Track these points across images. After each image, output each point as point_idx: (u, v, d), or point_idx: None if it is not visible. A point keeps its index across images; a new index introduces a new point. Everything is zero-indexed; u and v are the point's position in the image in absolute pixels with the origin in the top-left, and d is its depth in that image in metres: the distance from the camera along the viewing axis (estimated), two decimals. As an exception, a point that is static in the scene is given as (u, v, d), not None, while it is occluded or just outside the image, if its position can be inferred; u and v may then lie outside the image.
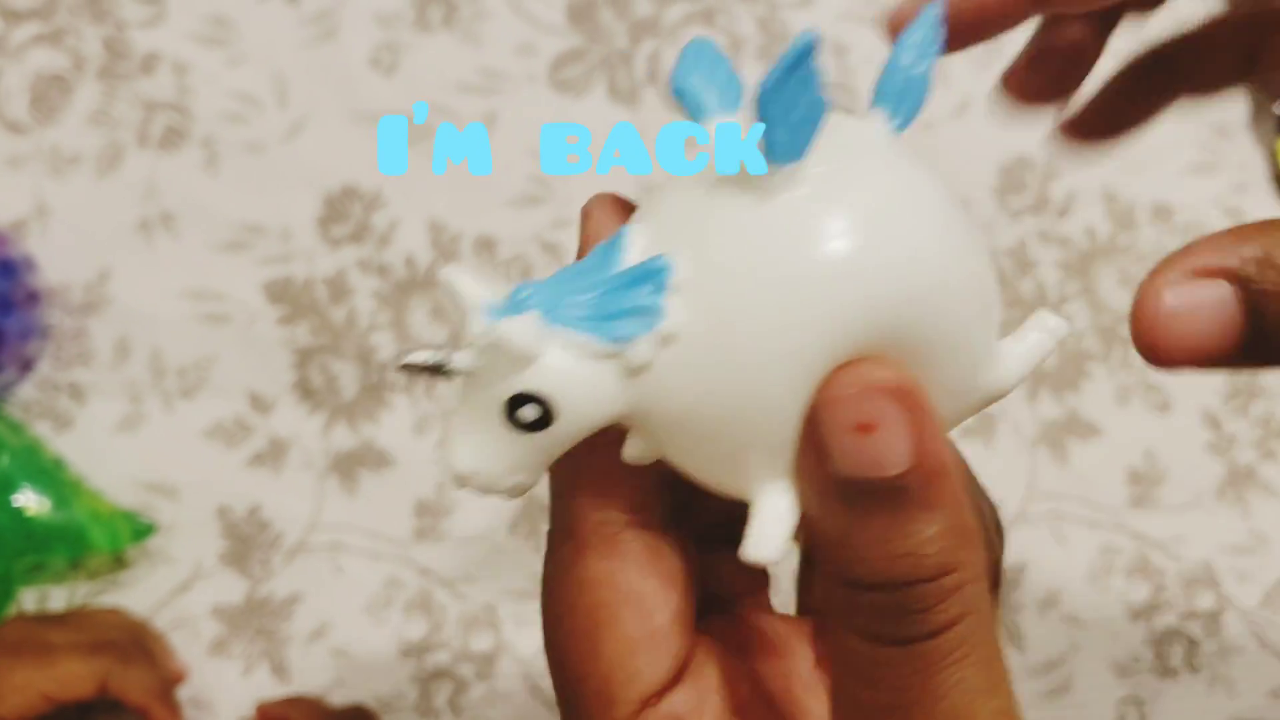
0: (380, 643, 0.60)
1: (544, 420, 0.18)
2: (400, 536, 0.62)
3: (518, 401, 0.18)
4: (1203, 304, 0.18)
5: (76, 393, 0.63)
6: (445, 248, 0.65)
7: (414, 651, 0.60)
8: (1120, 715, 0.61)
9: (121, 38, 0.68)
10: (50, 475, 0.58)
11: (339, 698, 0.60)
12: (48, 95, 0.67)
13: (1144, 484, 0.64)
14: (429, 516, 0.62)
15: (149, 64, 0.67)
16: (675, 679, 0.20)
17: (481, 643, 0.60)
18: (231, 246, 0.65)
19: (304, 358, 0.64)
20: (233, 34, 0.68)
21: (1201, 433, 0.65)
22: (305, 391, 0.63)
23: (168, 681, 0.56)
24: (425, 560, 0.61)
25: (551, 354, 0.19)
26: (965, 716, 0.18)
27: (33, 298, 0.61)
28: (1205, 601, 0.63)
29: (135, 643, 0.56)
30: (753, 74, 0.66)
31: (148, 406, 0.63)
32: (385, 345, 0.64)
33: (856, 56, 0.68)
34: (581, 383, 0.19)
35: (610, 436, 0.20)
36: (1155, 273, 0.19)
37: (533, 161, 0.66)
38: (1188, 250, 0.19)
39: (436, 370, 0.19)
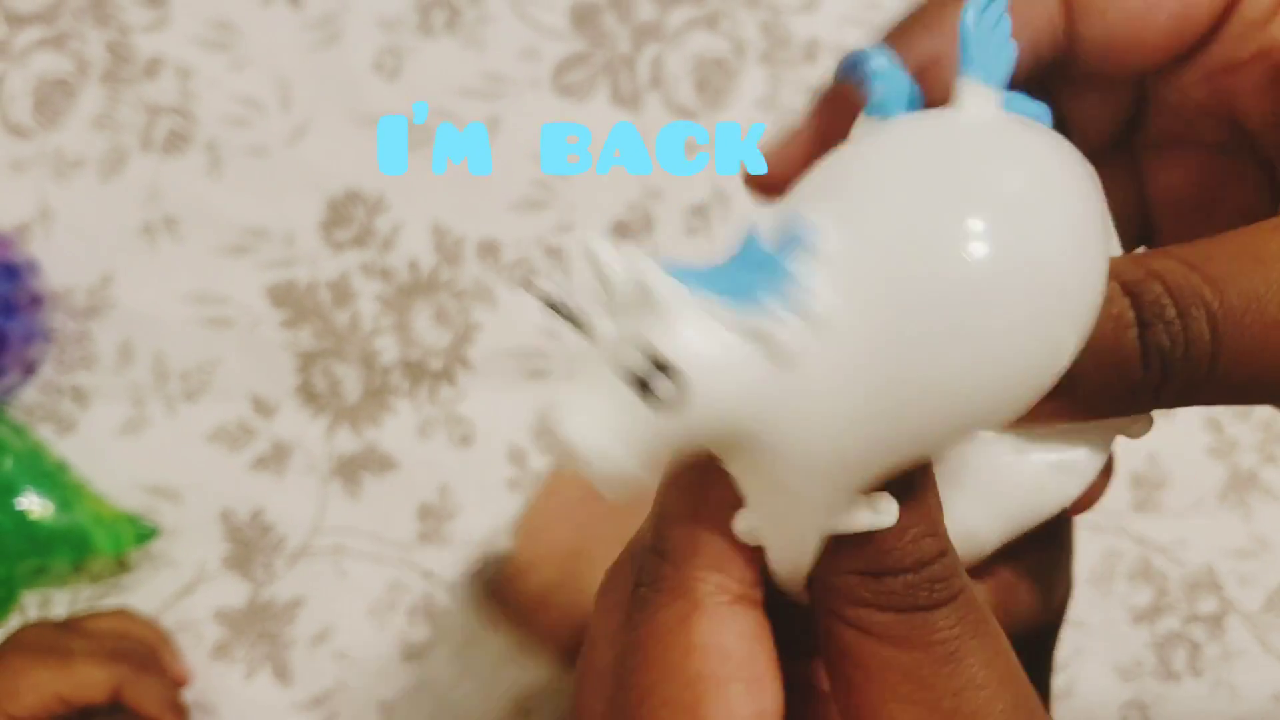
0: (383, 646, 0.60)
1: (675, 400, 0.16)
2: (403, 540, 0.62)
3: (649, 373, 0.16)
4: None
5: (80, 396, 0.63)
6: (448, 252, 0.65)
7: (417, 655, 0.60)
8: (1123, 719, 0.61)
9: (125, 42, 0.68)
10: (53, 478, 0.58)
11: (342, 701, 0.60)
12: (51, 99, 0.67)
13: (1146, 488, 0.64)
14: (432, 520, 0.62)
15: (152, 68, 0.67)
16: None
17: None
18: (235, 250, 0.65)
19: (307, 361, 0.64)
20: (236, 38, 0.68)
21: (1203, 436, 0.65)
22: (308, 395, 0.63)
23: (178, 691, 0.56)
24: (428, 564, 0.61)
25: (692, 324, 0.16)
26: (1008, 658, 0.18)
27: (36, 301, 0.61)
28: (1208, 605, 0.63)
29: (150, 653, 0.56)
30: (755, 79, 0.65)
31: (151, 410, 0.63)
32: (388, 349, 0.64)
33: (859, 61, 0.69)
34: (720, 365, 0.16)
35: (723, 502, 0.19)
36: None
37: (536, 166, 0.67)
38: None
39: (566, 314, 0.17)
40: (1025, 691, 0.18)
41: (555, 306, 0.17)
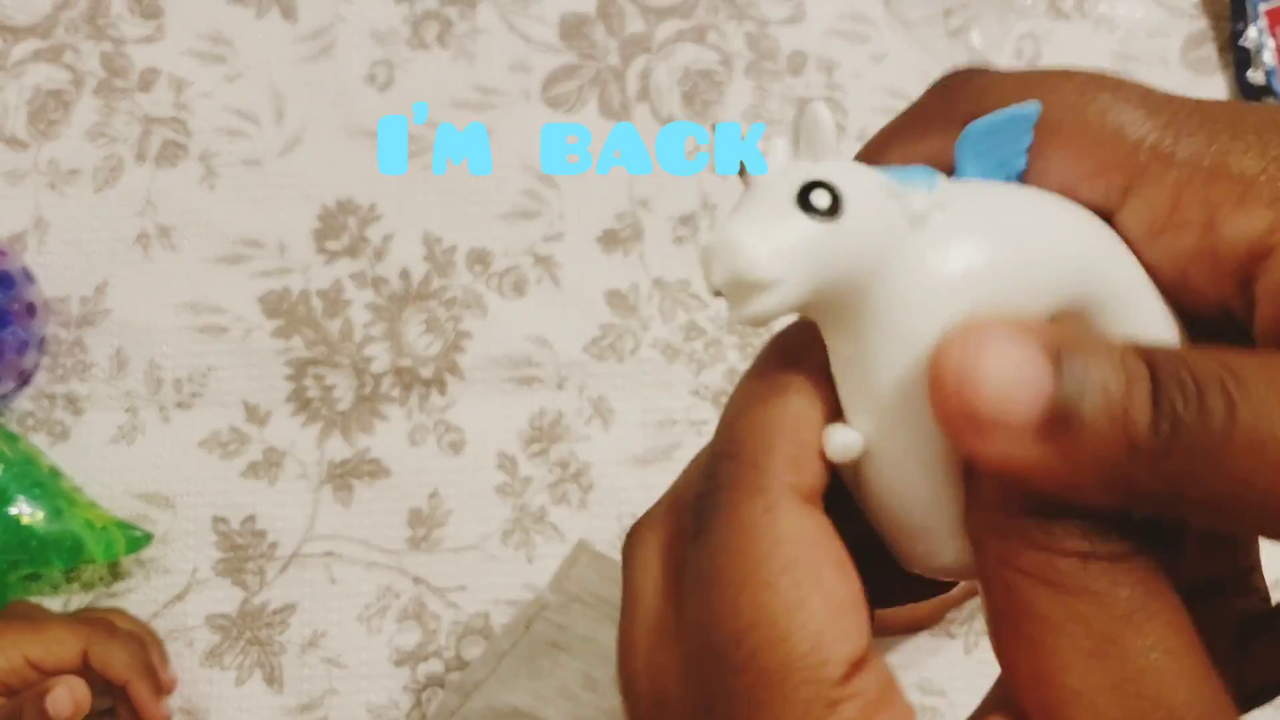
0: (374, 652, 0.61)
1: (829, 210, 0.18)
2: (394, 546, 0.62)
3: (811, 187, 0.18)
4: (1022, 367, 0.16)
5: (73, 404, 0.63)
6: (439, 260, 0.66)
7: (407, 660, 0.61)
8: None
9: (120, 54, 0.69)
10: (46, 486, 0.58)
11: (332, 706, 0.60)
12: (46, 110, 0.67)
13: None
14: (422, 526, 0.62)
15: (147, 80, 0.68)
16: (869, 651, 0.18)
17: (474, 651, 0.61)
18: (228, 260, 0.66)
19: (299, 369, 0.64)
20: (230, 51, 0.69)
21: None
22: (300, 403, 0.64)
23: (151, 663, 0.56)
24: (418, 569, 0.62)
25: (852, 168, 0.18)
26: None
27: (30, 310, 0.61)
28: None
29: (131, 632, 0.57)
30: (742, 90, 0.66)
31: (144, 418, 0.63)
32: (379, 357, 0.64)
33: (843, 72, 0.69)
34: (870, 196, 0.18)
35: (800, 413, 0.20)
36: (965, 330, 0.17)
37: (527, 176, 0.67)
38: (994, 319, 0.17)
39: (752, 156, 0.18)
40: (1209, 665, 0.17)
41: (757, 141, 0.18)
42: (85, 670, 0.54)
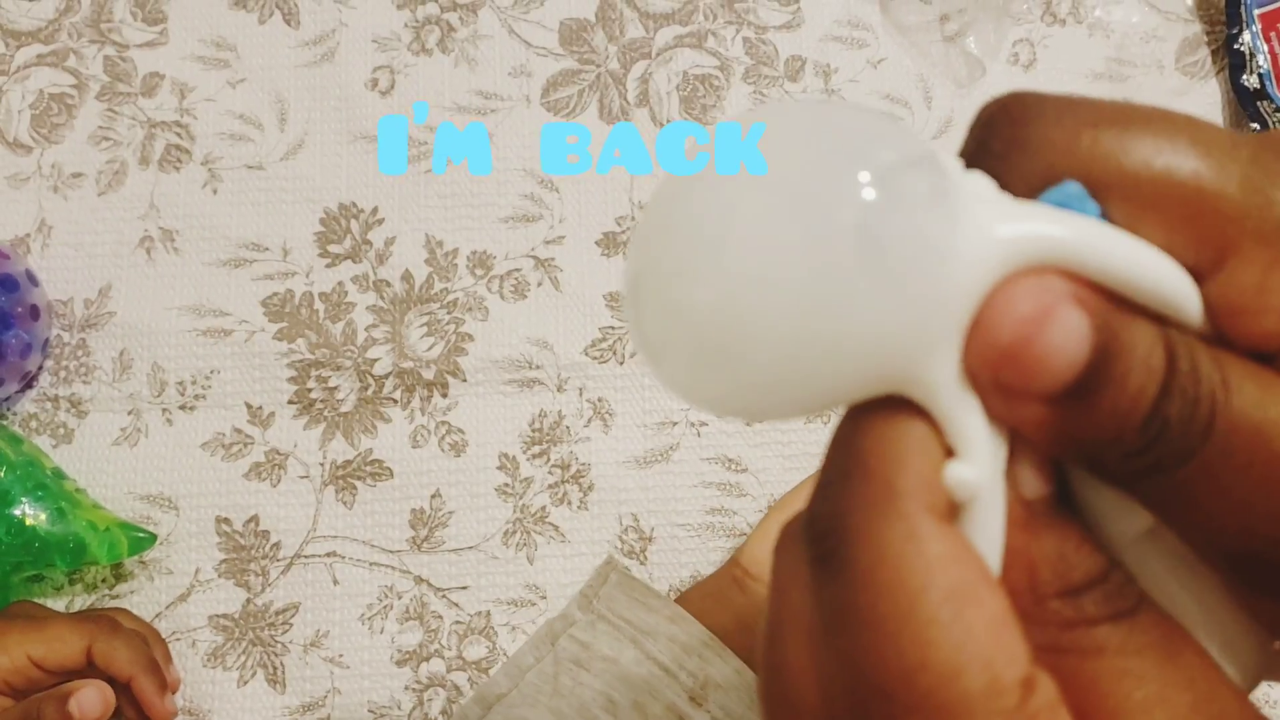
0: (376, 652, 0.61)
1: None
2: (396, 547, 0.62)
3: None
4: (1075, 332, 0.17)
5: (77, 406, 0.64)
6: (441, 264, 0.66)
7: (409, 660, 0.61)
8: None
9: (123, 59, 0.69)
10: (49, 488, 0.59)
11: (335, 706, 0.60)
12: (50, 115, 0.68)
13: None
14: (424, 527, 0.63)
15: (150, 85, 0.69)
16: (1033, 665, 0.18)
17: (476, 651, 0.61)
18: (231, 263, 0.66)
19: (302, 372, 0.65)
20: (233, 56, 0.69)
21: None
22: (303, 405, 0.64)
23: (155, 659, 0.57)
24: (420, 570, 0.62)
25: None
26: None
27: (34, 313, 0.61)
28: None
29: (134, 630, 0.57)
30: (741, 95, 0.67)
31: (147, 420, 0.64)
32: (382, 359, 0.65)
33: (840, 78, 0.70)
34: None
35: (926, 435, 0.19)
36: (1028, 282, 0.17)
37: (527, 180, 0.68)
38: (1053, 277, 0.18)
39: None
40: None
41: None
42: (89, 668, 0.54)
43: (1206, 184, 0.17)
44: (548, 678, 0.52)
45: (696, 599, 0.57)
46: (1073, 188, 0.18)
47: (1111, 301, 0.18)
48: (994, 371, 0.17)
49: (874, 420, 0.19)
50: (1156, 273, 0.18)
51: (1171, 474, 0.17)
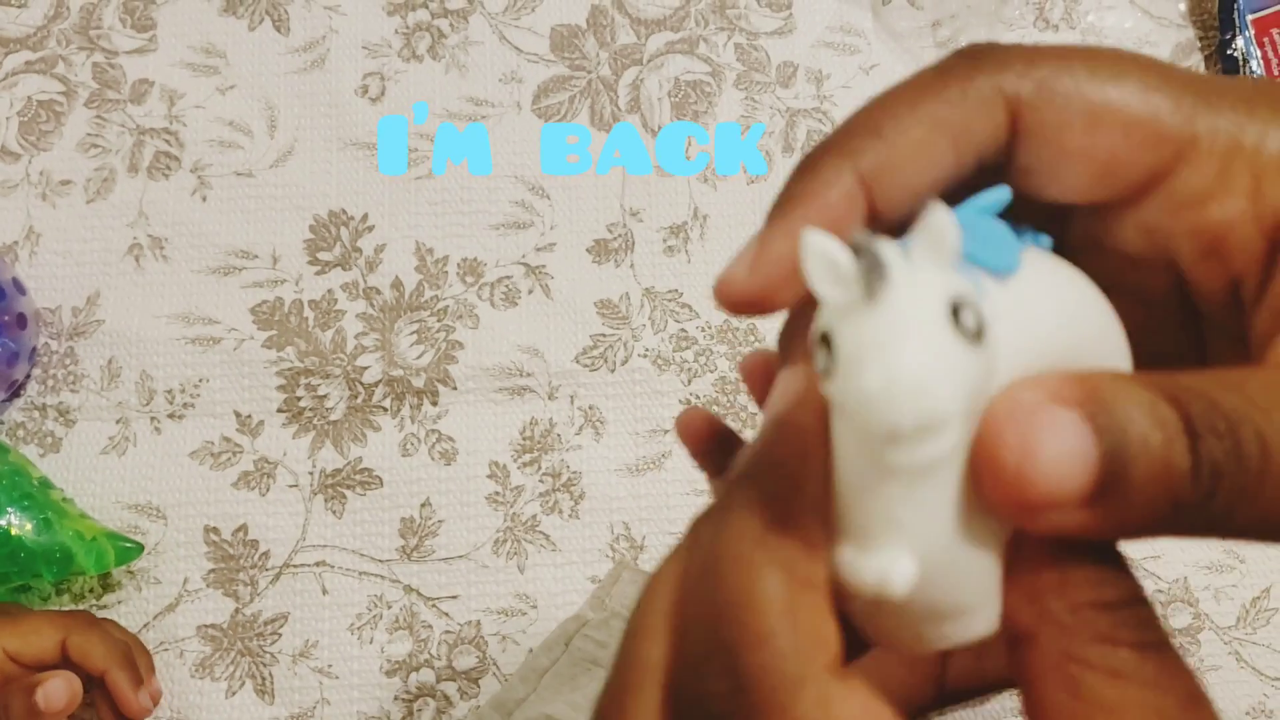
0: (365, 662, 0.60)
1: (979, 335, 0.16)
2: (385, 556, 0.62)
3: (958, 308, 0.16)
4: (1071, 441, 0.17)
5: (64, 415, 0.63)
6: (431, 271, 0.66)
7: (399, 670, 0.60)
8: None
9: (112, 65, 0.69)
10: (36, 497, 0.58)
11: (324, 717, 0.60)
12: (38, 122, 0.68)
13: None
14: (414, 536, 0.62)
15: (139, 91, 0.68)
16: None
17: (466, 661, 0.61)
18: (220, 271, 0.66)
19: (291, 380, 0.64)
20: (222, 63, 0.69)
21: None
22: (293, 413, 0.64)
23: (130, 654, 0.56)
24: (410, 579, 0.62)
25: (964, 274, 0.17)
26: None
27: (21, 321, 0.61)
28: (1183, 619, 0.64)
29: (120, 638, 0.56)
30: (732, 101, 0.66)
31: (135, 428, 0.63)
32: (372, 367, 0.64)
33: (832, 84, 0.70)
34: (995, 317, 0.17)
35: (804, 573, 0.18)
36: (1008, 400, 0.17)
37: (518, 187, 0.68)
38: (1034, 381, 0.17)
39: (873, 261, 0.16)
40: None
41: (862, 249, 0.16)
42: (64, 663, 0.54)
43: (1153, 97, 0.19)
44: (565, 678, 0.52)
45: None
46: (995, 197, 0.18)
47: (1090, 376, 0.17)
48: (1017, 506, 0.17)
49: (750, 568, 0.18)
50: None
51: (1255, 503, 0.17)
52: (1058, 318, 0.19)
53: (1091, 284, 0.20)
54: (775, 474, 0.19)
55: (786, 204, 0.20)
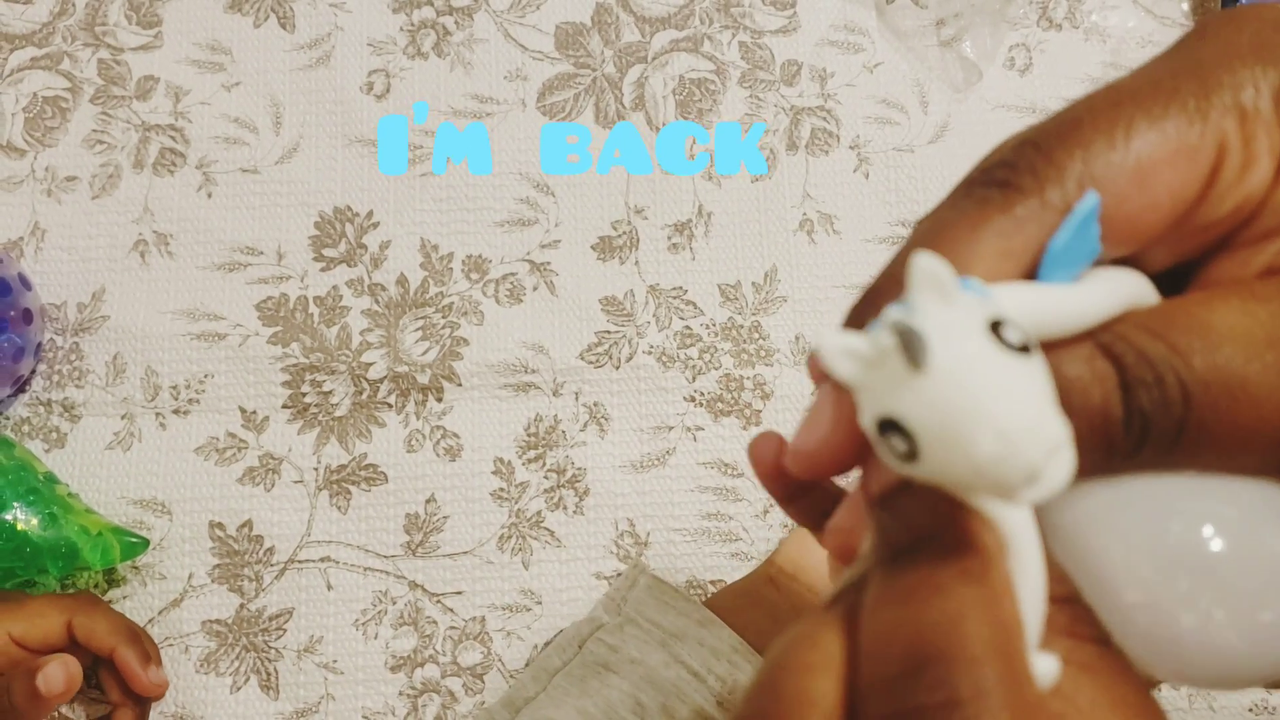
0: (370, 657, 0.61)
1: (1027, 340, 0.16)
2: (390, 551, 0.62)
3: (997, 325, 0.16)
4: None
5: (70, 411, 0.63)
6: (436, 268, 0.66)
7: (403, 666, 0.61)
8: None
9: (118, 62, 0.69)
10: (41, 492, 0.58)
11: (328, 712, 0.60)
12: (44, 118, 0.68)
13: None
14: (419, 532, 0.62)
15: (145, 88, 0.68)
16: None
17: (470, 657, 0.61)
18: (225, 267, 0.66)
19: (297, 376, 0.64)
20: (228, 59, 0.69)
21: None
22: (298, 409, 0.64)
23: (136, 630, 0.56)
24: (415, 575, 0.62)
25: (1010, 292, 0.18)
26: None
27: (26, 316, 0.61)
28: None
29: (125, 621, 0.57)
30: (737, 99, 0.66)
31: (141, 424, 0.63)
32: (377, 363, 0.64)
33: (836, 82, 0.70)
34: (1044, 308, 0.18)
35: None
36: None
37: (523, 184, 0.68)
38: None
39: (903, 331, 0.16)
40: None
41: (886, 326, 0.16)
42: (70, 644, 0.54)
43: (1178, 129, 0.20)
44: (575, 680, 0.52)
45: (730, 598, 0.57)
46: (1088, 206, 0.19)
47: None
48: None
49: (955, 601, 0.17)
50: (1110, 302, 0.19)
51: (1175, 449, 0.18)
52: (1112, 301, 0.19)
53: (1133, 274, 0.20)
54: (944, 526, 0.18)
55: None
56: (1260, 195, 0.20)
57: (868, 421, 0.17)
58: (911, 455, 0.16)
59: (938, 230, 0.20)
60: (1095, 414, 0.18)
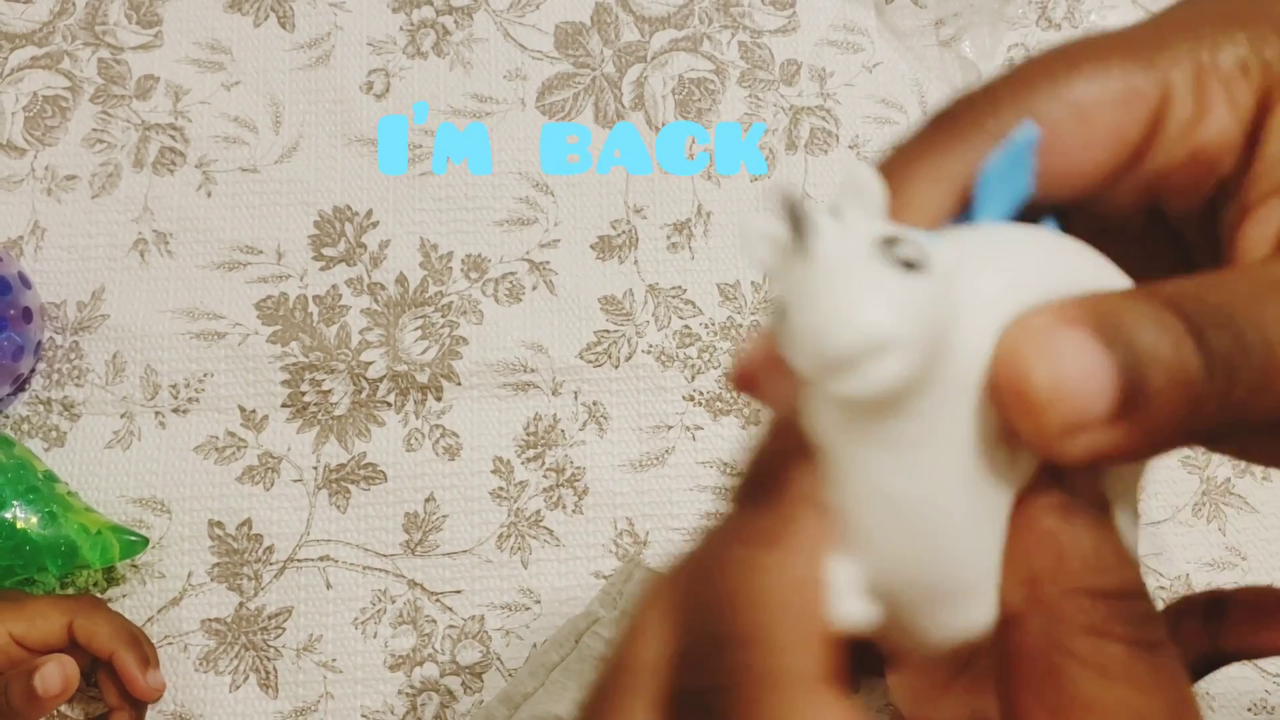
0: (369, 656, 0.61)
1: (921, 260, 0.16)
2: (389, 550, 0.62)
3: (890, 242, 0.16)
4: (1090, 363, 0.16)
5: (69, 409, 0.63)
6: (435, 267, 0.66)
7: (403, 665, 0.61)
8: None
9: (118, 61, 0.69)
10: (41, 491, 0.58)
11: (327, 711, 0.60)
12: (44, 117, 0.68)
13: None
14: (418, 531, 0.62)
15: (145, 87, 0.68)
16: None
17: (470, 656, 0.61)
18: (225, 266, 0.66)
19: (296, 375, 0.64)
20: (228, 59, 0.69)
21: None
22: (297, 408, 0.64)
23: (137, 634, 0.56)
24: (414, 574, 0.62)
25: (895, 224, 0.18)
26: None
27: (26, 315, 0.61)
28: (1184, 616, 0.64)
29: (126, 625, 0.57)
30: (736, 99, 0.66)
31: (140, 423, 0.63)
32: (376, 362, 0.64)
33: (836, 82, 0.70)
34: (934, 250, 0.17)
35: (807, 578, 0.18)
36: (1018, 330, 0.17)
37: (522, 183, 0.68)
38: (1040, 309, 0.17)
39: (799, 219, 0.16)
40: None
41: (790, 212, 0.17)
42: (71, 646, 0.54)
43: (1129, 77, 0.20)
44: (573, 674, 0.52)
45: None
46: (1023, 137, 0.19)
47: (1089, 298, 0.17)
48: (1048, 432, 0.17)
49: (746, 570, 0.18)
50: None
51: (1269, 391, 0.17)
52: (1054, 262, 0.19)
53: (1090, 247, 0.20)
54: (773, 478, 0.19)
55: None
56: (1219, 147, 0.20)
57: (771, 305, 0.17)
58: (781, 336, 0.17)
59: (883, 159, 0.21)
60: (1171, 366, 0.16)
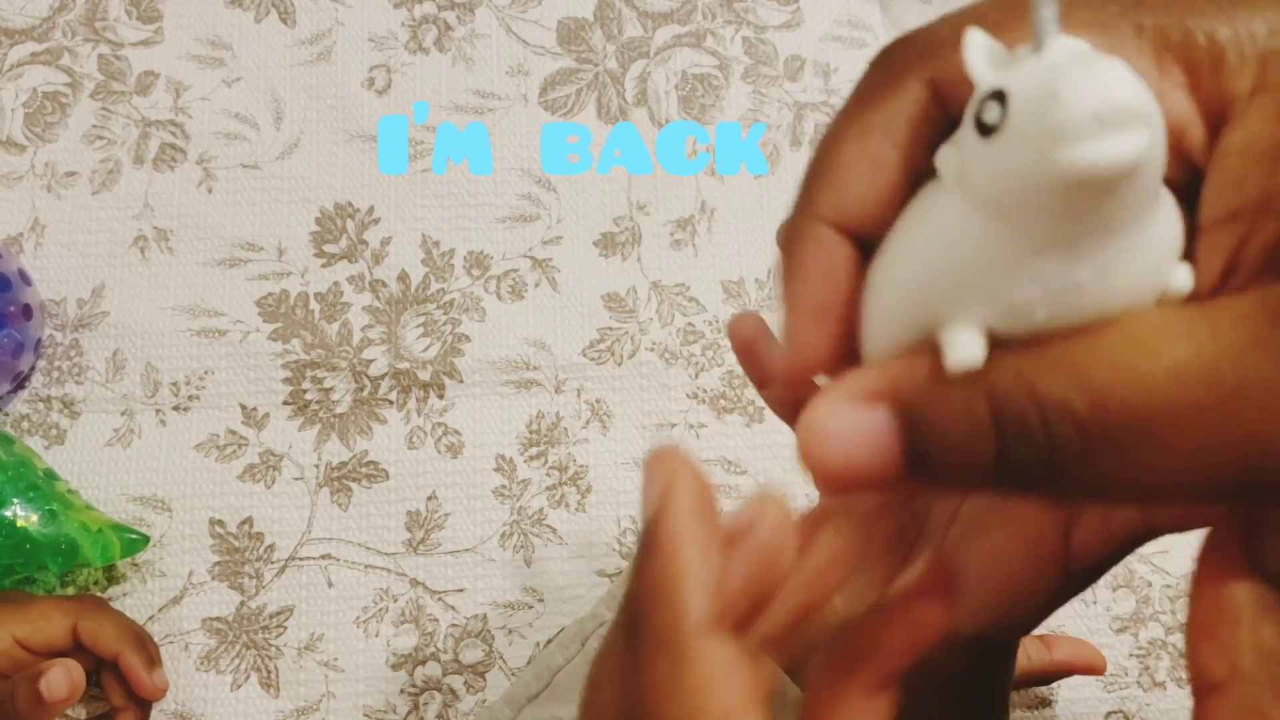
0: (371, 655, 0.60)
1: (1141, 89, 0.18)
2: (391, 549, 0.62)
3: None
4: (863, 430, 0.19)
5: (69, 407, 0.63)
6: (437, 264, 0.66)
7: (405, 663, 0.60)
8: (1106, 726, 0.62)
9: (118, 57, 0.68)
10: (41, 489, 0.58)
11: (329, 710, 0.60)
12: (44, 113, 0.67)
13: (1127, 497, 0.65)
14: (420, 529, 0.62)
15: (145, 83, 0.68)
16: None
17: (472, 655, 0.60)
18: (226, 263, 0.66)
19: (297, 372, 0.64)
20: (228, 55, 0.69)
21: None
22: (298, 406, 0.64)
23: (141, 634, 0.56)
24: (416, 572, 0.61)
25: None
26: None
27: (26, 312, 0.61)
28: (1189, 615, 0.64)
29: (130, 625, 0.56)
30: (740, 94, 0.66)
31: (141, 421, 0.63)
32: (378, 360, 0.64)
33: (840, 77, 0.70)
34: None
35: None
36: (819, 399, 0.19)
37: (525, 180, 0.67)
38: (852, 377, 0.19)
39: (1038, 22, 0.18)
40: None
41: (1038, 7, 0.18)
42: (75, 648, 0.54)
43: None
44: (578, 677, 0.51)
45: None
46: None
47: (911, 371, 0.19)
48: (820, 483, 0.19)
49: (670, 498, 0.21)
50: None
51: (1085, 472, 0.18)
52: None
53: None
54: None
55: (790, 277, 0.22)
56: (1173, 125, 0.19)
57: (976, 99, 0.18)
58: (994, 128, 0.18)
59: (827, 138, 0.22)
60: (954, 452, 0.18)
